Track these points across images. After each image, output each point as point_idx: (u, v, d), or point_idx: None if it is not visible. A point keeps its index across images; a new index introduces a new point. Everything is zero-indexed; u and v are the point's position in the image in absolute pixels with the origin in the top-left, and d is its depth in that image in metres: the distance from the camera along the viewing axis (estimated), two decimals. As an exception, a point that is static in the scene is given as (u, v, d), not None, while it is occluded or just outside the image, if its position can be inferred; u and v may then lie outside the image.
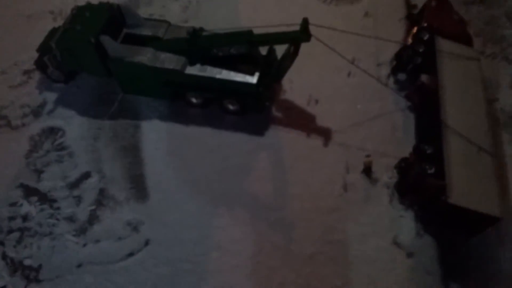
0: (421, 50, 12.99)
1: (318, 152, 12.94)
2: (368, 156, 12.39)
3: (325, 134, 13.18)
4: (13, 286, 11.26)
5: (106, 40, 12.87)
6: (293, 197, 12.22)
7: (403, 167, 11.84)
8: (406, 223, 11.66)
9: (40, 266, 11.54)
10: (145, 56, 13.10)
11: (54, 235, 11.96)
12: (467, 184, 10.43)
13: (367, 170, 12.44)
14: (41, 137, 13.60)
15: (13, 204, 12.46)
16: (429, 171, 10.75)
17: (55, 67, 14.08)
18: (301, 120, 13.55)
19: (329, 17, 14.60)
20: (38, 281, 11.35)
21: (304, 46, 12.03)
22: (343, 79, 14.25)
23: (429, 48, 12.85)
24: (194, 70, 12.97)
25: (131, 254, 11.58)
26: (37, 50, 14.01)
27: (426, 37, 13.04)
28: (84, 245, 11.79)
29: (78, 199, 12.45)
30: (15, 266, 11.56)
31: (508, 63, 14.62)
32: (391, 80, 14.15)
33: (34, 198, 12.52)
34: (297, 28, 11.57)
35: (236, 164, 12.84)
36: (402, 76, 13.94)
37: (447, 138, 11.04)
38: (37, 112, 14.14)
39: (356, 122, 13.34)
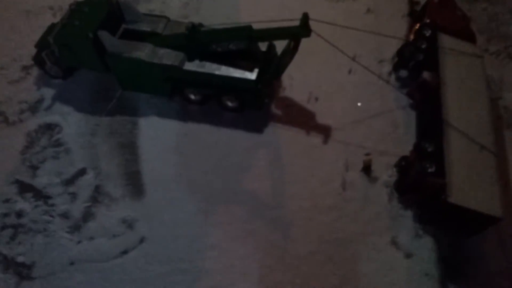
0: (423, 46, 12.82)
1: (318, 150, 12.78)
2: (368, 154, 12.25)
3: (325, 132, 13.02)
4: (5, 283, 11.11)
5: (104, 35, 12.70)
6: (291, 196, 12.06)
7: (403, 165, 11.67)
8: (405, 223, 11.51)
9: (33, 263, 11.39)
10: (144, 52, 12.94)
11: (48, 232, 11.80)
12: (467, 183, 10.25)
13: (367, 169, 12.27)
14: (38, 133, 13.45)
15: (7, 201, 12.29)
16: (430, 170, 10.58)
17: (53, 63, 13.93)
18: (301, 118, 13.38)
19: (331, 13, 14.36)
20: (30, 278, 11.20)
21: (305, 43, 11.87)
22: (344, 76, 14.10)
23: (431, 44, 12.68)
24: (192, 66, 12.80)
25: (125, 252, 11.42)
26: (36, 46, 13.86)
27: (428, 33, 12.88)
28: (78, 242, 11.63)
29: (73, 196, 12.29)
30: (8, 263, 11.40)
31: (512, 60, 14.42)
32: (393, 77, 14.00)
33: (29, 195, 12.37)
34: (297, 23, 11.40)
35: (234, 161, 12.68)
36: (403, 73, 13.80)
37: (448, 136, 10.87)
38: (34, 108, 13.99)
39: (357, 119, 13.19)
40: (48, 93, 14.29)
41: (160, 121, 13.53)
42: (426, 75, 12.43)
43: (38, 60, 14.05)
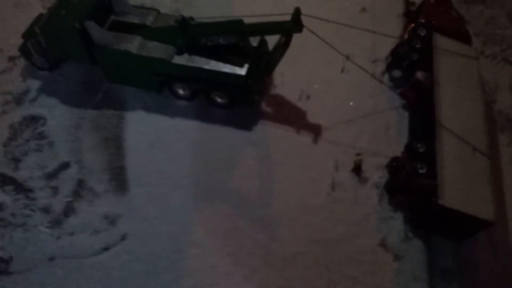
0: (417, 46, 12.59)
1: (307, 149, 12.51)
2: (358, 154, 11.99)
3: (315, 131, 12.76)
4: (-19, 278, 10.81)
5: (91, 26, 12.39)
6: (278, 195, 11.78)
7: (394, 166, 11.48)
8: (394, 225, 11.26)
9: (11, 258, 11.05)
10: (132, 44, 12.64)
11: (28, 226, 11.46)
12: (460, 186, 10.03)
13: (357, 169, 12.02)
14: (22, 125, 13.10)
15: (-13, 194, 12.00)
16: (421, 171, 10.39)
17: (39, 54, 13.60)
18: (292, 116, 13.11)
19: (325, 11, 14.02)
20: (8, 273, 10.84)
21: (297, 39, 11.62)
22: (336, 74, 13.85)
23: (426, 44, 12.45)
24: (181, 60, 12.49)
25: (106, 249, 11.10)
26: (22, 36, 13.54)
27: (423, 33, 12.66)
28: (58, 237, 11.29)
29: (55, 190, 11.95)
30: (-15, 258, 11.11)
31: (508, 64, 14.24)
32: (386, 77, 13.75)
33: (10, 188, 12.03)
34: (288, 18, 11.12)
35: (222, 158, 12.39)
36: (397, 73, 13.58)
37: (441, 137, 10.63)
38: (19, 100, 13.63)
39: (348, 119, 12.93)
40: (34, 84, 13.94)
41: (147, 116, 13.21)
42: (419, 75, 12.29)
43: (24, 51, 13.71)
